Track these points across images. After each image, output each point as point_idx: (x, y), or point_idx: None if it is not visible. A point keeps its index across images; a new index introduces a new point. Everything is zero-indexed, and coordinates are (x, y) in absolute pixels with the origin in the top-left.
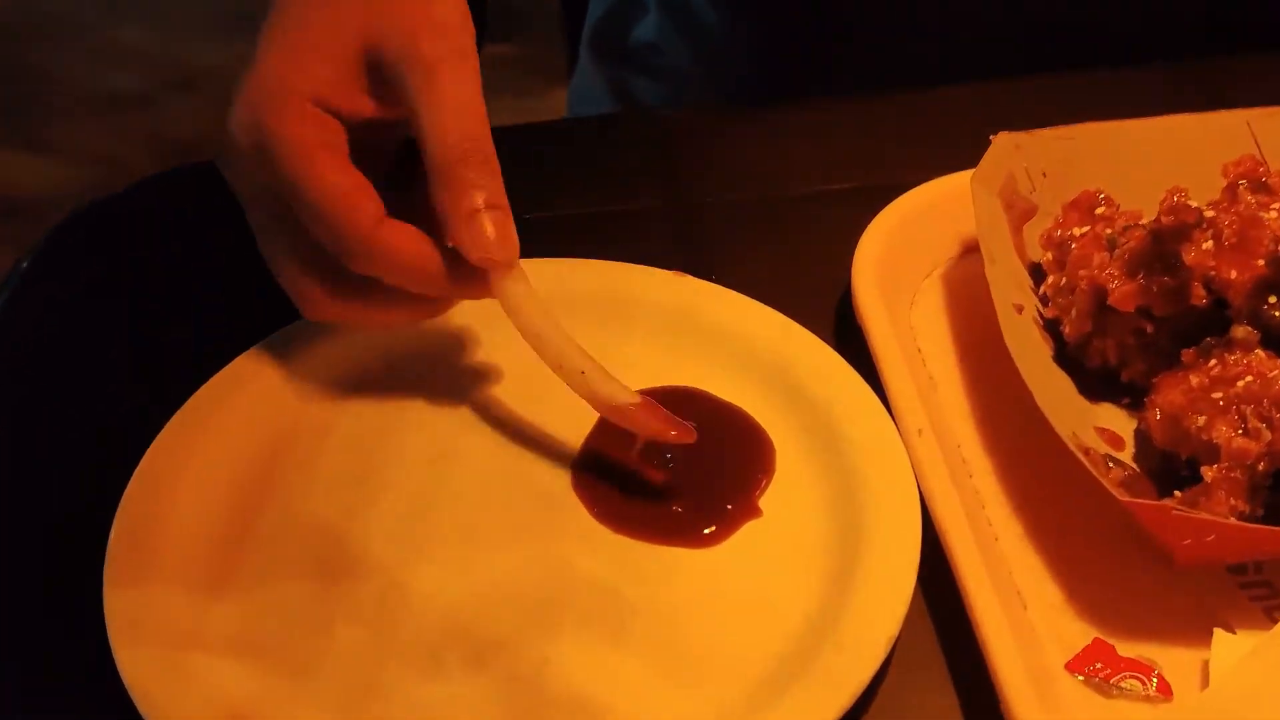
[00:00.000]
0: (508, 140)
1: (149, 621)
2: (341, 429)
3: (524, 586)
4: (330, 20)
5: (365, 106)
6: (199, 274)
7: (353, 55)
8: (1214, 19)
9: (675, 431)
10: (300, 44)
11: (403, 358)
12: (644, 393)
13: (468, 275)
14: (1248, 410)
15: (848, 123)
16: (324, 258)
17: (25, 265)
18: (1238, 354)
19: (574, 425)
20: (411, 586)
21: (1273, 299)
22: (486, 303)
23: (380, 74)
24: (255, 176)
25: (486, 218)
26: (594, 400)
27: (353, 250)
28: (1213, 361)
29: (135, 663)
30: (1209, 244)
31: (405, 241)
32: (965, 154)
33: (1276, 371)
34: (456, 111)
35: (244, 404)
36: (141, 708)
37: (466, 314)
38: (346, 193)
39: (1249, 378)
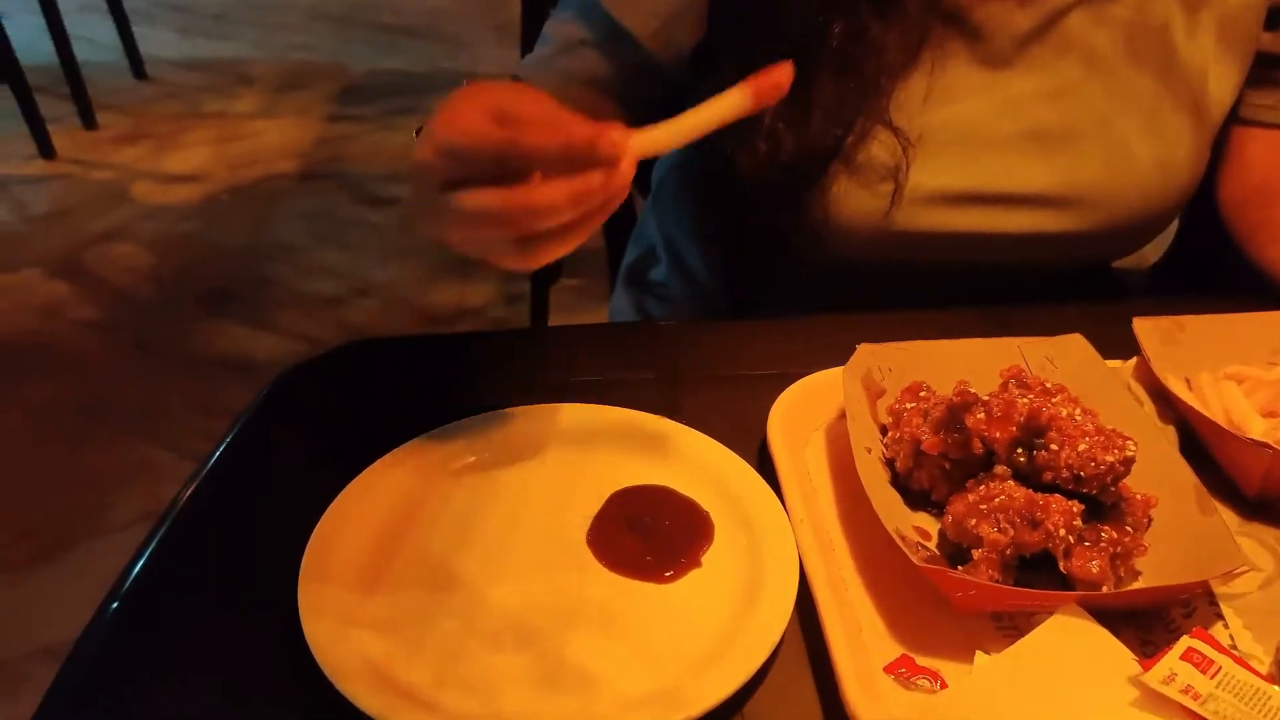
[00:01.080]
0: (574, 336)
1: (324, 607)
2: (445, 500)
3: (554, 599)
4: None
5: None
6: (362, 412)
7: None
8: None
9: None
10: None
11: (485, 459)
12: (628, 489)
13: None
14: (1000, 517)
15: (774, 334)
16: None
17: (260, 400)
18: (997, 483)
19: (588, 508)
20: (485, 597)
21: (1019, 451)
22: (536, 441)
23: None
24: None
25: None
26: (744, 88)
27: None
28: (982, 487)
29: (315, 631)
30: (982, 415)
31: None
32: (843, 355)
33: (1019, 495)
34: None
35: (384, 482)
36: (319, 658)
37: (525, 446)
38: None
39: (1002, 497)
